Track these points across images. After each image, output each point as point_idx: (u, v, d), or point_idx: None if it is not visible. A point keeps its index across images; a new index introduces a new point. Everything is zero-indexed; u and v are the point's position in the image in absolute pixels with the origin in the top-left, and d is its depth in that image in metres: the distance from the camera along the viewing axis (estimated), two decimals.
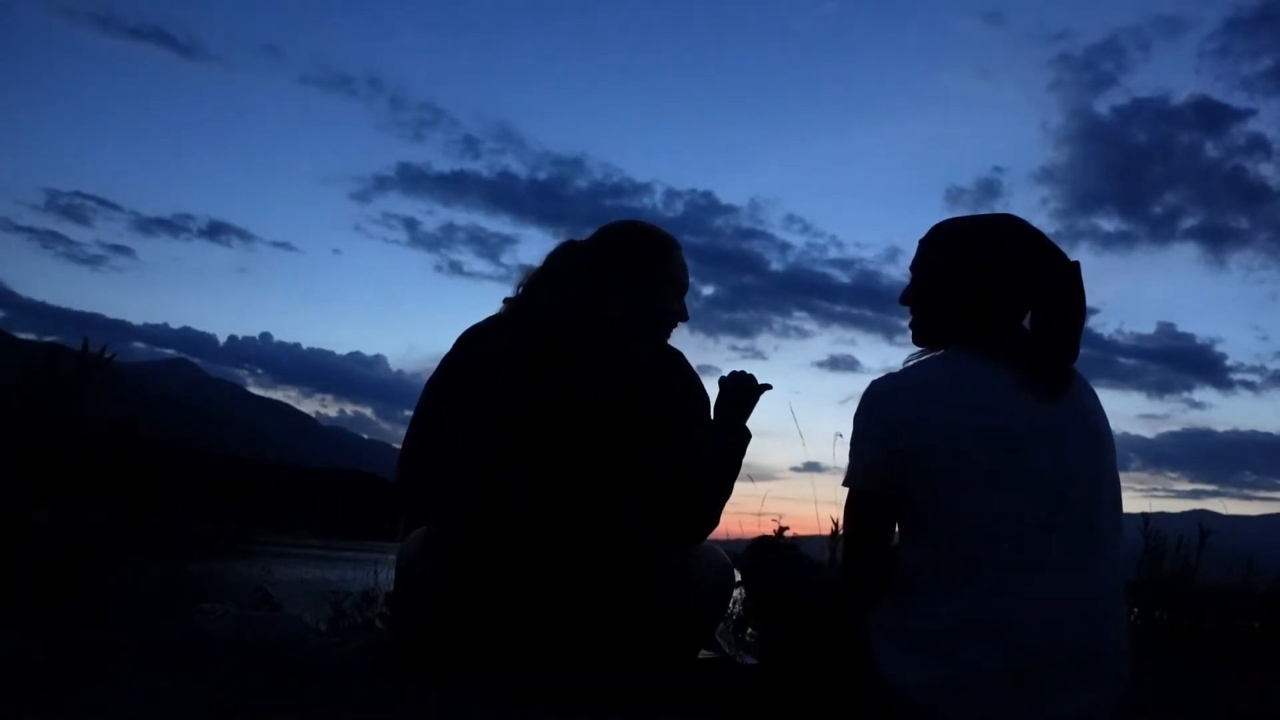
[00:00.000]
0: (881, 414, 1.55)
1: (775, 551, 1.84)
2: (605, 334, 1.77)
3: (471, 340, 1.88)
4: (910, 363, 1.66)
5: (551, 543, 1.64)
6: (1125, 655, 1.54)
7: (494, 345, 1.81)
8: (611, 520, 1.66)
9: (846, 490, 1.60)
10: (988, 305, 1.60)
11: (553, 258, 1.95)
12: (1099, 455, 1.54)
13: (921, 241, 1.73)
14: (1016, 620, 1.44)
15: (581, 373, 1.71)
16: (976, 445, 1.48)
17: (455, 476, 1.75)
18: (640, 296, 1.90)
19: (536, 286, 1.91)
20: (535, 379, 1.72)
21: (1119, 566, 1.56)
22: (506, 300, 1.93)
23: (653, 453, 1.70)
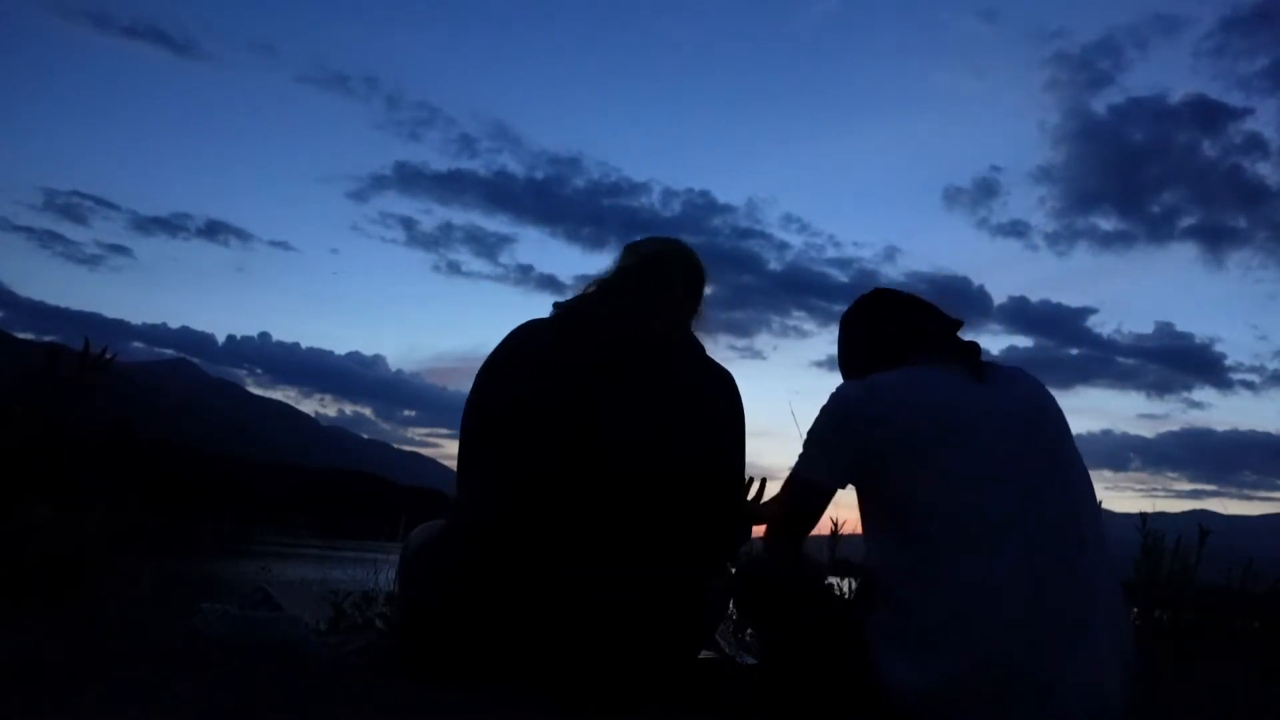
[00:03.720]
0: (847, 416, 1.65)
1: (764, 575, 1.84)
2: (673, 349, 1.84)
3: (539, 333, 1.87)
4: None
5: (569, 545, 1.64)
6: (1125, 632, 1.55)
7: (561, 346, 1.81)
8: (643, 529, 1.67)
9: (791, 472, 1.72)
10: (914, 334, 1.78)
11: (625, 274, 1.98)
12: (1055, 436, 1.64)
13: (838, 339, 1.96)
14: (1000, 603, 1.46)
15: (648, 383, 1.75)
16: (933, 435, 1.57)
17: (491, 471, 1.74)
18: (693, 323, 2.02)
19: (602, 296, 1.93)
20: (604, 383, 1.72)
21: (1104, 545, 1.59)
22: (559, 304, 1.91)
23: (692, 464, 1.72)
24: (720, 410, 1.83)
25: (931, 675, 1.47)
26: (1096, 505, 1.63)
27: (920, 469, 1.56)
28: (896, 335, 1.79)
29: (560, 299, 1.94)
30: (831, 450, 1.66)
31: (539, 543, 1.64)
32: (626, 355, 1.77)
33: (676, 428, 1.73)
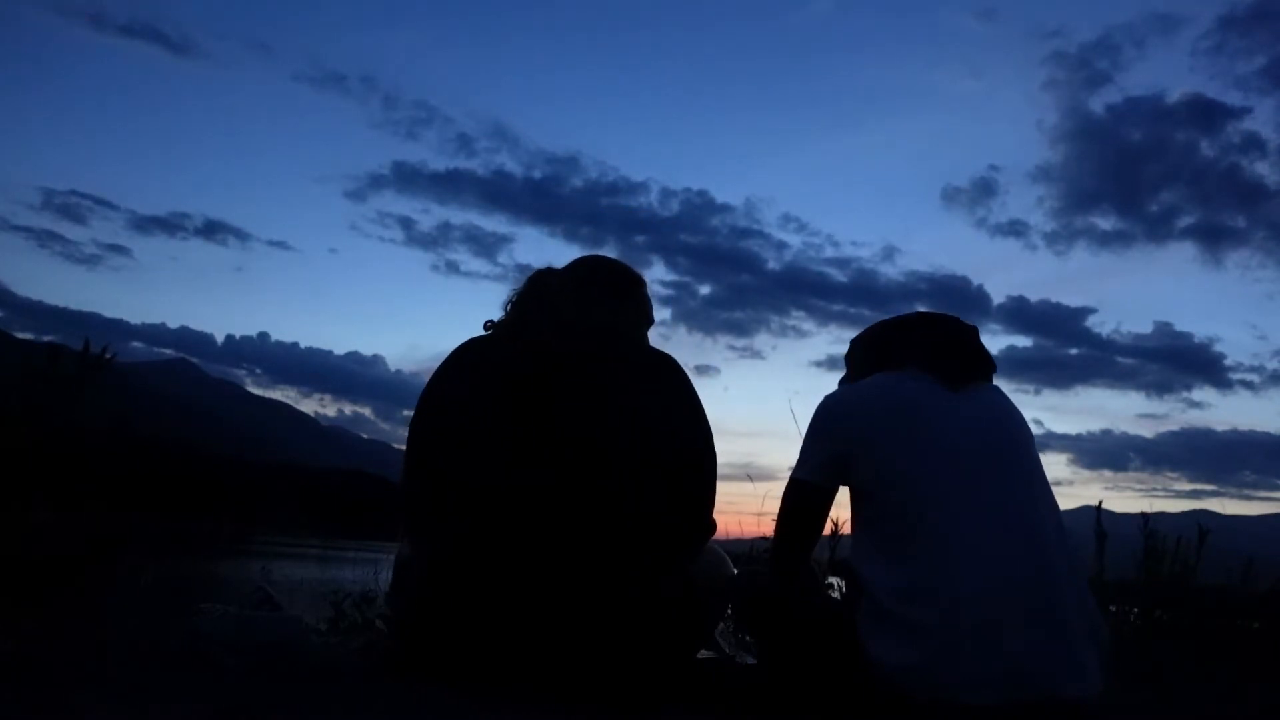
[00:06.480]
0: (830, 421, 1.83)
1: (761, 588, 1.89)
2: (608, 345, 1.84)
3: (474, 351, 1.88)
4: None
5: (555, 544, 1.64)
6: (1093, 607, 1.64)
7: (504, 354, 1.83)
8: (615, 523, 1.66)
9: (789, 479, 1.85)
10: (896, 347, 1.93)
11: (536, 283, 2.01)
12: (1015, 437, 1.78)
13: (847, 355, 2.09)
14: (964, 578, 1.54)
15: (592, 381, 1.75)
16: (891, 431, 1.73)
17: (468, 478, 1.74)
18: (624, 320, 2.01)
19: (528, 304, 1.96)
20: (553, 385, 1.74)
21: (1064, 534, 1.70)
22: (490, 323, 1.98)
23: (650, 454, 1.72)
24: (666, 401, 1.82)
25: (910, 653, 1.53)
26: (1055, 502, 1.75)
27: (880, 461, 1.71)
28: (881, 348, 1.96)
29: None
30: (811, 450, 1.83)
31: (501, 555, 1.65)
32: (566, 362, 1.78)
33: (620, 429, 1.73)
